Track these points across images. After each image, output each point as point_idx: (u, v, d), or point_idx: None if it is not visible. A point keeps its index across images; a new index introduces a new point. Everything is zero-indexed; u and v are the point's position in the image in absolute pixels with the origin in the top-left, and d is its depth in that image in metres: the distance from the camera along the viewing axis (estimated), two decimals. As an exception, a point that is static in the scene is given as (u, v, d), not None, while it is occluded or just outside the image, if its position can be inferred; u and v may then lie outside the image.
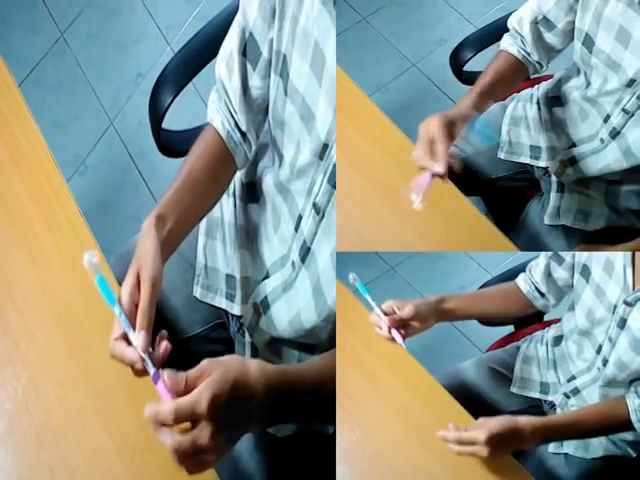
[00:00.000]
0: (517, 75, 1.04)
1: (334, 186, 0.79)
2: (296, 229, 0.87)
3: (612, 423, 0.90)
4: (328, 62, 0.74)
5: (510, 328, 1.31)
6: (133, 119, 1.96)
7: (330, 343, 0.88)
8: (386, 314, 0.99)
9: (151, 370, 0.68)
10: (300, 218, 0.86)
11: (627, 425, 0.89)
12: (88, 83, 2.04)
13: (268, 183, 0.93)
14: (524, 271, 1.10)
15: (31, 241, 0.92)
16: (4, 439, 0.79)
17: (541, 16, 0.99)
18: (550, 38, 1.00)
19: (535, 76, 1.35)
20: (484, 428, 0.84)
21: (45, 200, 0.95)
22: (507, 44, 1.03)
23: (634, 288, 0.89)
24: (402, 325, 0.99)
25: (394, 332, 0.98)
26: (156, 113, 1.19)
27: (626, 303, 0.90)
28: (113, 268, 0.90)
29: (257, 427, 0.74)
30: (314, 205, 0.82)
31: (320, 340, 0.90)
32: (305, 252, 0.85)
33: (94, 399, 0.81)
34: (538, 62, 1.02)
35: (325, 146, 0.78)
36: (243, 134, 0.90)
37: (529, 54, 1.01)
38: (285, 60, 0.80)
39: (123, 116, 1.99)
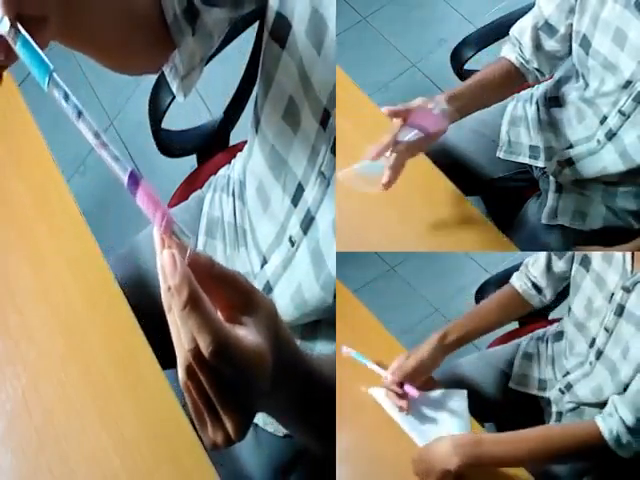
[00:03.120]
0: (512, 82, 1.03)
1: (334, 154, 0.78)
2: (294, 203, 0.85)
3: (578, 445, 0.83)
4: (329, 29, 0.72)
5: (511, 325, 1.31)
6: (133, 119, 1.96)
7: (332, 317, 0.87)
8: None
9: (122, 170, 0.46)
10: (301, 190, 0.84)
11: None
12: (88, 83, 2.04)
13: (257, 163, 0.91)
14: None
15: (31, 241, 0.92)
16: (4, 439, 0.79)
17: (542, 21, 0.98)
18: (552, 45, 0.99)
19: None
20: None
21: (45, 200, 0.95)
22: (506, 51, 1.02)
23: (632, 272, 0.88)
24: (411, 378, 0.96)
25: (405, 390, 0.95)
26: (156, 113, 1.19)
27: (624, 289, 0.89)
28: (113, 268, 0.90)
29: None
30: (321, 173, 0.80)
31: (322, 314, 0.89)
32: (308, 222, 0.84)
33: (94, 399, 0.81)
34: (538, 70, 1.01)
35: (327, 113, 0.76)
36: (193, 10, 0.76)
37: (528, 62, 1.00)
38: (283, 19, 0.77)
39: (123, 116, 1.99)
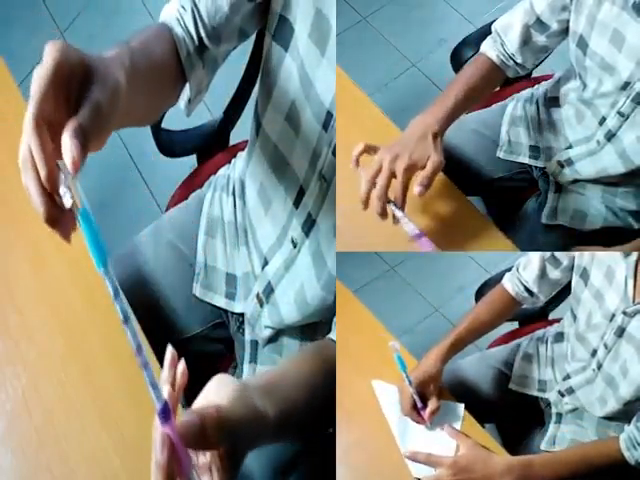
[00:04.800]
0: (493, 79, 1.03)
1: (335, 156, 0.79)
2: (296, 205, 0.86)
3: (599, 459, 0.89)
4: (333, 29, 0.73)
5: (511, 325, 1.31)
6: (133, 119, 1.95)
7: (331, 317, 0.88)
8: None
9: (158, 403, 0.50)
10: (302, 193, 0.85)
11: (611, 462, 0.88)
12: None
13: (259, 165, 0.92)
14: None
15: (31, 241, 0.92)
16: (4, 439, 0.79)
17: (534, 18, 0.98)
18: (542, 41, 0.99)
19: (535, 75, 1.36)
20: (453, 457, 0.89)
21: (45, 200, 0.94)
22: (487, 47, 1.02)
23: (634, 300, 0.89)
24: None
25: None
26: (156, 113, 1.19)
27: (625, 314, 0.90)
28: (113, 268, 0.90)
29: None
30: (321, 177, 0.81)
31: (322, 314, 0.89)
32: (310, 224, 0.85)
33: (94, 399, 0.81)
34: (521, 64, 1.01)
35: (329, 115, 0.77)
36: (203, 47, 0.80)
37: (510, 57, 1.00)
38: (285, 22, 0.79)
39: (123, 116, 1.99)
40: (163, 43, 0.78)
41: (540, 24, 0.98)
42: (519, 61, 1.00)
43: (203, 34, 0.80)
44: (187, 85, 0.81)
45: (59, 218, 0.57)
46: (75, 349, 0.85)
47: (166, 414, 0.50)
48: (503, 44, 1.00)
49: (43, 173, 0.55)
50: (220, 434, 0.53)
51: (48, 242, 0.92)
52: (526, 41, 0.99)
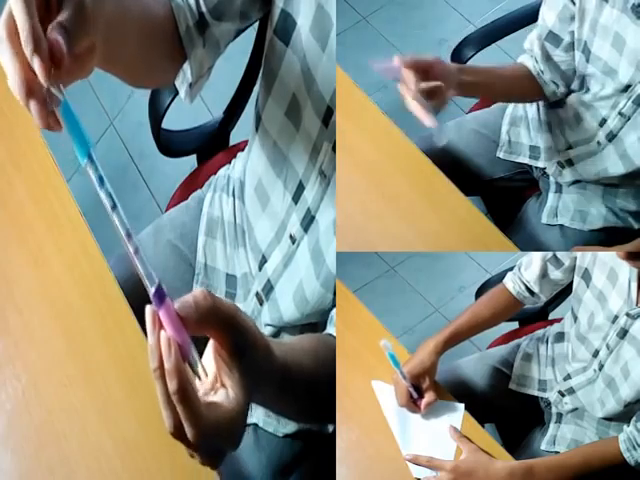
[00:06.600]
0: (524, 85, 1.04)
1: (335, 152, 0.79)
2: (295, 200, 0.86)
3: (600, 460, 0.89)
4: (333, 24, 0.73)
5: (511, 325, 1.31)
6: (133, 119, 1.96)
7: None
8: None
9: (152, 286, 0.48)
10: (302, 188, 0.85)
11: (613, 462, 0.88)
12: (88, 83, 2.04)
13: (258, 161, 0.92)
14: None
15: (31, 241, 0.92)
16: (4, 439, 0.79)
17: (547, 31, 0.98)
18: (559, 55, 0.99)
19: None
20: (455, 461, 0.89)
21: (45, 200, 0.95)
22: (524, 58, 1.03)
23: (638, 303, 0.89)
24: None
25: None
26: (156, 113, 1.19)
27: (628, 315, 0.90)
28: (113, 269, 0.90)
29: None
30: (321, 172, 0.81)
31: (322, 314, 0.89)
32: (309, 221, 0.85)
33: (94, 399, 0.81)
34: (553, 81, 1.02)
35: (329, 110, 0.77)
36: (203, 22, 0.78)
37: (543, 72, 1.01)
38: (288, 17, 0.78)
39: (123, 116, 1.99)
40: (160, 5, 0.75)
41: (553, 36, 0.98)
42: (548, 77, 1.01)
43: (204, 9, 0.77)
44: (188, 68, 0.80)
45: (35, 90, 0.52)
46: (75, 349, 0.85)
47: (161, 295, 0.47)
48: (536, 58, 1.01)
49: (25, 34, 0.49)
50: (213, 309, 0.49)
51: (48, 242, 0.92)
52: (547, 57, 1.00)
